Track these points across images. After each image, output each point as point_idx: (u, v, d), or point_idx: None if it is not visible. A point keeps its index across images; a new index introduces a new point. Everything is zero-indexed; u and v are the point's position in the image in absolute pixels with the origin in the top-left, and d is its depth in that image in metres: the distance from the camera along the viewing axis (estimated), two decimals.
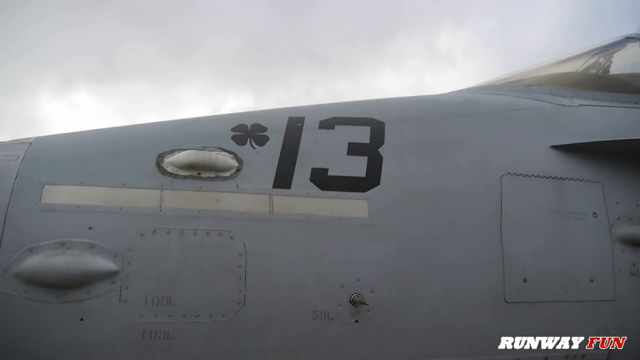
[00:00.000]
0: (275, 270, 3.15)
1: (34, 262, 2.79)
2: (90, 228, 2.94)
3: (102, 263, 2.88)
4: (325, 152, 3.52)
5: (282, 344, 3.12)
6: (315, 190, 3.36)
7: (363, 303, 3.19)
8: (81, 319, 2.84)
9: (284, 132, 3.52)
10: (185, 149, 3.27)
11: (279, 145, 3.45)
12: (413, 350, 3.37)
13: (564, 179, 3.88)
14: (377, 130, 3.68)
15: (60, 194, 3.00)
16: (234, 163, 3.31)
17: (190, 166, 3.22)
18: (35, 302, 2.78)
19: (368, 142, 3.61)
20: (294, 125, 3.58)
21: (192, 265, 3.03)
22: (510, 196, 3.69)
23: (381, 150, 3.58)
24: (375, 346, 3.29)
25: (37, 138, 3.30)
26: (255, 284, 3.08)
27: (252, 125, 3.52)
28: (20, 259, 2.79)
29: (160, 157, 3.24)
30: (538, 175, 3.82)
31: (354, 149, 3.55)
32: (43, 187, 2.98)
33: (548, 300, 3.63)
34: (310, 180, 3.37)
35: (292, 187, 3.32)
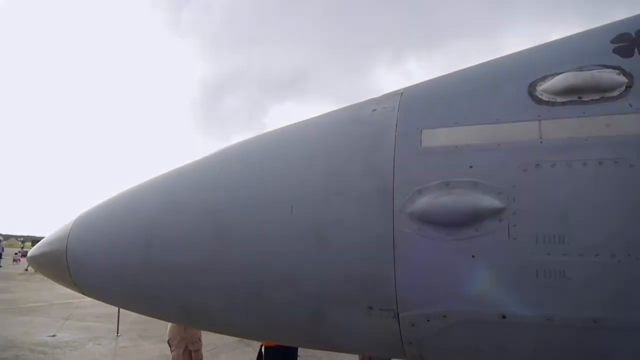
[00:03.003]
0: None
1: (423, 202, 2.94)
2: (470, 167, 2.93)
3: (488, 201, 2.84)
4: None
5: None
6: None
7: None
8: (472, 256, 2.88)
9: None
10: (558, 73, 2.94)
11: None
12: None
13: None
14: None
15: (438, 137, 3.08)
16: (622, 79, 2.79)
17: (568, 90, 2.87)
18: (429, 239, 2.94)
19: None
20: None
21: (585, 199, 2.71)
22: None
23: None
24: None
25: (405, 88, 3.49)
26: None
27: (637, 32, 2.91)
28: (412, 200, 2.97)
29: (532, 86, 2.99)
30: None
31: None
32: (421, 132, 3.11)
33: None
34: None
35: None
